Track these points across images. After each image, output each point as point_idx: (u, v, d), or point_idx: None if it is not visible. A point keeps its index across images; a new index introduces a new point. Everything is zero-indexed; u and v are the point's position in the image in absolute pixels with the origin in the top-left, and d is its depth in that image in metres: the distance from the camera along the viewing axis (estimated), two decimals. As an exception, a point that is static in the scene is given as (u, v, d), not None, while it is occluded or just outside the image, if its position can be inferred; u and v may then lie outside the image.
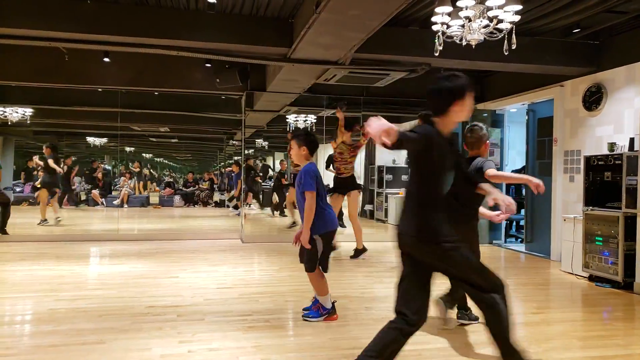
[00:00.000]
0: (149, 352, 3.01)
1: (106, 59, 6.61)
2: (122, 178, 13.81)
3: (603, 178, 5.33)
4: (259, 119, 10.15)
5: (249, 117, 9.00)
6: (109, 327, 3.44)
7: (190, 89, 7.91)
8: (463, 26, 4.11)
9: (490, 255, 7.13)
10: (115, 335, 3.30)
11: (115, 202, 13.10)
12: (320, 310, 3.73)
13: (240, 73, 7.15)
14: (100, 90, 8.66)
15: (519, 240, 8.17)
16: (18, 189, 13.16)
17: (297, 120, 10.07)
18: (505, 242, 8.08)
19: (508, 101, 7.62)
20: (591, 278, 5.37)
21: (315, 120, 10.12)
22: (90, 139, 15.44)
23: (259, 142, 12.94)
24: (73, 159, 13.23)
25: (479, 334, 3.42)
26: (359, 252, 6.33)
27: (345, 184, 6.29)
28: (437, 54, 4.29)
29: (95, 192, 13.42)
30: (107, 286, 4.67)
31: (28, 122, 10.49)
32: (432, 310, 3.87)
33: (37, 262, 5.74)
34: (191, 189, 14.72)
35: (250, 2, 5.27)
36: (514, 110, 8.08)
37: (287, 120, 10.11)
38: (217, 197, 14.77)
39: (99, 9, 5.28)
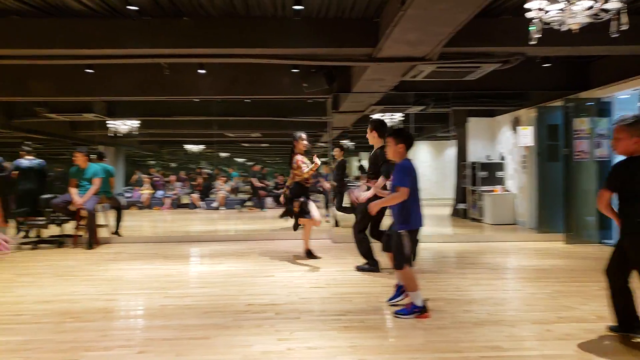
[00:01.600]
0: (250, 349, 3.14)
1: (201, 71, 7.03)
2: (218, 181, 14.55)
3: None
4: (345, 119, 10.22)
5: (334, 119, 9.10)
6: (212, 324, 3.65)
7: (280, 95, 8.16)
8: (562, 10, 3.82)
9: (599, 255, 6.56)
10: (219, 331, 3.48)
11: (213, 205, 13.87)
12: (410, 308, 3.70)
13: (327, 76, 7.25)
14: (197, 100, 9.23)
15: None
16: (127, 195, 14.38)
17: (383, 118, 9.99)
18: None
19: (617, 87, 6.95)
20: None
21: (403, 118, 9.98)
22: (188, 146, 16.55)
23: (345, 142, 13.02)
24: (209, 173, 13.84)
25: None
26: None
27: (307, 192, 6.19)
28: (533, 42, 4.02)
29: (195, 195, 14.32)
30: (210, 284, 4.95)
31: (136, 133, 11.44)
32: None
33: (148, 262, 6.23)
34: (281, 190, 15.16)
35: (335, 6, 5.33)
36: (625, 97, 7.34)
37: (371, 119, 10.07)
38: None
39: (194, 24, 5.63)
